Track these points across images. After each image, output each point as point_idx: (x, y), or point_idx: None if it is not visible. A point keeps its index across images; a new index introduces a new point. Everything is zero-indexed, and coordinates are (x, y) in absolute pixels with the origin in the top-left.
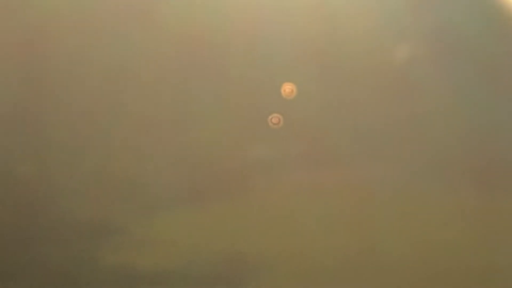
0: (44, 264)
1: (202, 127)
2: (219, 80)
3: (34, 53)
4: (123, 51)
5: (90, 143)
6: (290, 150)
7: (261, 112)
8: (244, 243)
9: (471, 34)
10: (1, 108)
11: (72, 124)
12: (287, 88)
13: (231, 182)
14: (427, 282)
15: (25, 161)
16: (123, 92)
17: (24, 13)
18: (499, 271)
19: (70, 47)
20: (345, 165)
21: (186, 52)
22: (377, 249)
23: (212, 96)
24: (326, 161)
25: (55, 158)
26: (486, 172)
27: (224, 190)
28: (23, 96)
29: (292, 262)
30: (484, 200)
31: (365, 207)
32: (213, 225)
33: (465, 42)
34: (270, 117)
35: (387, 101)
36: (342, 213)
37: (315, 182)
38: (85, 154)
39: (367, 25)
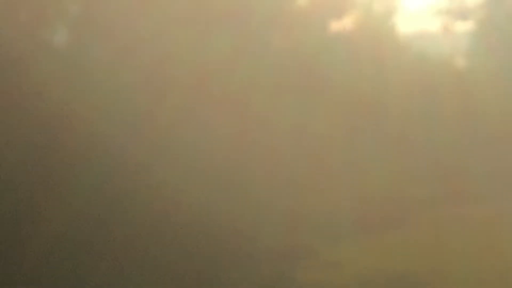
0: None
1: (373, 170)
2: (385, 130)
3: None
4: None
5: (283, 180)
6: (443, 189)
7: (419, 157)
8: (408, 267)
9: None
10: (172, 148)
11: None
12: None
13: (394, 216)
14: None
15: (219, 194)
16: (297, 139)
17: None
18: None
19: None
20: (492, 201)
21: (356, 106)
22: None
23: (380, 142)
24: (473, 198)
25: (249, 194)
26: None
27: (389, 223)
28: (202, 137)
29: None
30: None
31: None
32: (382, 251)
33: None
34: None
35: None
36: (490, 244)
37: (466, 216)
38: (279, 191)
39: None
